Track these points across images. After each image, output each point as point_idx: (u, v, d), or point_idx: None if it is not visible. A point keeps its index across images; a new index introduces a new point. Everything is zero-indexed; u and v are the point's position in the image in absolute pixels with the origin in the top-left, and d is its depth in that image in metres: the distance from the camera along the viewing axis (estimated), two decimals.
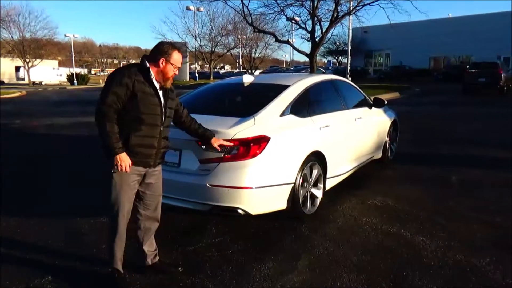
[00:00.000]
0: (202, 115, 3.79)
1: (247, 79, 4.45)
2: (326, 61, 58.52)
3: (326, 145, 4.19)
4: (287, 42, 18.43)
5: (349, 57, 21.23)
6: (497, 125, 10.47)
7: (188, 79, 42.51)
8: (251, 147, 3.33)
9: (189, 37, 49.95)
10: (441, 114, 12.90)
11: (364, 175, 5.54)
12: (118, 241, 2.81)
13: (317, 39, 16.51)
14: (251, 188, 3.34)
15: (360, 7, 15.97)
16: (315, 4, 15.73)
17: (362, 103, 5.48)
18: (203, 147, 3.37)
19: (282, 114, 3.79)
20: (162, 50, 2.69)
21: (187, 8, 39.87)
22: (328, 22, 16.18)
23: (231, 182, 3.31)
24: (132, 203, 2.83)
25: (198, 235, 3.72)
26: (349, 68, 21.36)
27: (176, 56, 2.71)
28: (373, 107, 5.61)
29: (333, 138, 4.36)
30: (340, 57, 50.58)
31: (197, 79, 43.72)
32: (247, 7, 16.94)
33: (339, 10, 16.06)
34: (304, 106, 4.12)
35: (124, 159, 2.60)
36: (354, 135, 4.93)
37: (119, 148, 2.57)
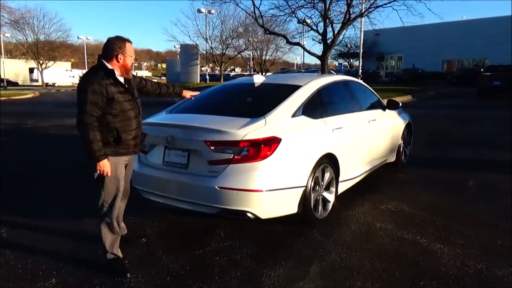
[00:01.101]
0: (212, 115, 3.71)
1: (258, 79, 4.35)
2: (336, 64, 58.22)
3: (339, 147, 4.06)
4: (298, 44, 18.26)
5: (361, 59, 20.95)
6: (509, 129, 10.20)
7: (198, 81, 42.61)
8: (261, 148, 3.22)
9: (200, 39, 50.11)
10: (455, 117, 12.63)
11: (377, 179, 5.39)
12: (116, 228, 3.05)
13: (328, 41, 16.33)
14: (261, 191, 3.22)
15: (373, 9, 15.78)
16: (327, 6, 15.57)
17: (376, 105, 5.33)
18: (212, 148, 3.28)
19: (294, 115, 3.67)
20: (115, 47, 2.88)
21: (199, 11, 39.97)
22: (340, 24, 16.00)
23: (241, 185, 3.20)
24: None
25: (206, 239, 3.61)
26: (360, 70, 21.08)
27: (129, 47, 2.93)
28: (387, 109, 5.46)
29: (346, 140, 4.23)
30: (351, 60, 50.18)
31: (208, 81, 43.77)
32: (258, 8, 16.84)
33: (351, 12, 15.87)
34: (316, 107, 4.00)
35: (106, 165, 2.83)
36: (367, 137, 4.79)
37: (101, 155, 2.80)
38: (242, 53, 49.02)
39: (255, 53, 51.82)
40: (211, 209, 3.35)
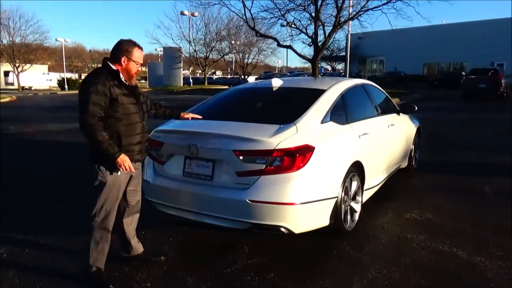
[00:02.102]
0: (235, 122, 3.44)
1: (276, 83, 4.11)
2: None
3: (365, 155, 3.86)
4: (289, 47, 18.11)
5: (348, 62, 21.00)
6: (507, 131, 10.26)
7: (182, 85, 42.08)
8: (296, 158, 2.98)
9: (183, 42, 49.55)
10: (447, 120, 12.69)
11: (391, 185, 5.21)
12: (106, 241, 2.87)
13: (319, 44, 16.24)
14: (295, 204, 2.98)
15: (363, 12, 15.78)
16: (319, 8, 15.47)
17: (391, 109, 5.17)
18: (242, 157, 3.01)
19: (323, 121, 3.44)
20: (122, 49, 2.75)
21: (182, 13, 39.53)
22: (331, 27, 15.93)
23: (275, 198, 2.95)
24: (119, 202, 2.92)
25: (231, 255, 3.34)
26: (347, 74, 21.11)
27: (137, 53, 2.78)
28: (400, 113, 5.31)
29: (371, 147, 4.04)
30: (334, 63, 50.55)
31: (191, 84, 43.28)
32: (249, 10, 16.62)
33: (341, 15, 15.83)
34: (342, 112, 3.80)
35: (124, 159, 2.70)
36: (387, 143, 4.61)
37: (117, 152, 2.66)
38: (225, 56, 48.72)
39: (238, 56, 51.67)
40: (241, 224, 3.08)
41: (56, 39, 52.35)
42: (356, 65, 46.11)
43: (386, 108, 5.00)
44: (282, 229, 3.02)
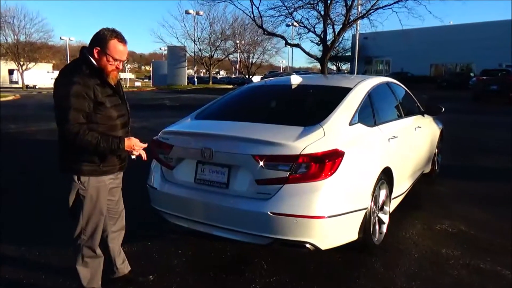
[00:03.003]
0: (253, 123, 3.08)
1: (296, 80, 3.75)
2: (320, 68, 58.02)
3: (394, 160, 3.51)
4: (297, 45, 17.73)
5: (356, 62, 20.63)
6: None
7: (186, 84, 41.80)
8: (325, 164, 2.61)
9: (188, 41, 49.26)
10: (461, 122, 12.25)
11: (415, 192, 4.84)
12: (98, 257, 2.53)
13: (328, 43, 15.86)
14: (323, 217, 2.62)
15: (373, 10, 15.38)
16: (328, 6, 15.09)
17: (416, 110, 4.80)
18: (262, 163, 2.65)
19: (351, 123, 3.08)
20: (97, 38, 2.26)
21: (187, 12, 39.25)
22: (340, 26, 15.56)
23: (300, 210, 2.58)
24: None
25: (247, 272, 2.98)
26: (355, 74, 20.71)
27: (113, 45, 2.25)
28: (425, 115, 4.93)
29: (400, 151, 3.68)
30: (340, 63, 50.09)
31: (196, 83, 43.00)
32: (257, 8, 16.25)
33: (350, 14, 15.45)
34: (369, 113, 3.43)
35: (131, 144, 2.35)
36: (414, 147, 4.25)
37: (119, 143, 2.29)
38: (229, 56, 48.44)
39: (242, 55, 51.40)
40: (261, 239, 2.72)
41: (60, 38, 52.36)
42: (362, 66, 45.69)
43: (412, 109, 4.64)
44: (308, 245, 2.65)
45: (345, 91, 3.39)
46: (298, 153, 2.60)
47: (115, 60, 2.28)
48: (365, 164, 3.02)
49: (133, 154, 2.42)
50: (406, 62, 39.44)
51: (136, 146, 2.38)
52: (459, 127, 11.13)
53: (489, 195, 4.90)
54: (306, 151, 2.61)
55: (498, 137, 9.44)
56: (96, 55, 2.26)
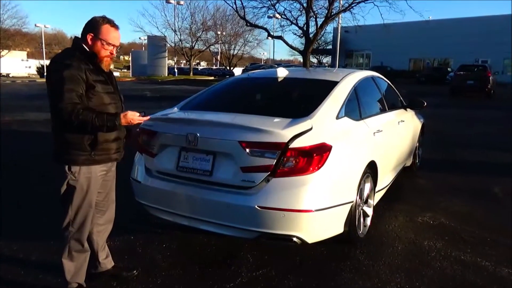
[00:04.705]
0: (240, 114, 3.04)
1: (282, 73, 3.72)
2: (301, 60, 58.18)
3: (379, 154, 3.53)
4: (280, 38, 17.68)
5: (338, 56, 20.70)
6: (503, 129, 10.13)
7: (166, 75, 41.22)
8: (313, 158, 2.61)
9: (168, 31, 48.47)
10: (439, 116, 12.49)
11: (397, 186, 4.91)
12: (84, 251, 2.48)
13: (311, 36, 15.87)
14: (311, 211, 2.61)
15: (355, 4, 15.47)
16: None
17: (399, 104, 4.85)
18: (247, 150, 2.62)
19: (338, 117, 3.07)
20: (90, 24, 2.30)
21: (167, 1, 38.56)
22: (323, 19, 15.57)
23: (288, 204, 2.57)
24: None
25: (233, 265, 2.97)
26: (337, 67, 20.83)
27: (106, 31, 2.29)
28: (408, 109, 4.99)
29: (384, 145, 3.71)
30: (321, 56, 50.33)
31: (176, 74, 42.45)
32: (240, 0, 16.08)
33: (332, 7, 15.48)
34: (355, 106, 3.44)
35: (128, 119, 2.28)
36: (398, 140, 4.29)
37: (116, 118, 2.24)
38: (210, 47, 47.98)
39: (223, 47, 51.02)
40: (247, 233, 2.70)
41: (35, 25, 50.70)
42: (342, 59, 46.01)
43: (395, 103, 4.69)
44: (295, 239, 2.65)
45: (332, 84, 3.38)
46: (286, 141, 2.57)
47: (109, 44, 2.31)
48: (352, 158, 3.03)
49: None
50: (385, 56, 39.93)
51: (134, 121, 2.32)
52: (438, 121, 11.37)
53: (470, 188, 5.01)
54: (295, 145, 2.59)
55: (477, 131, 9.69)
56: (89, 42, 2.28)
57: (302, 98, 3.36)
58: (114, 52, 2.38)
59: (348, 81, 3.54)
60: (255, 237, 2.71)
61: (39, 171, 5.24)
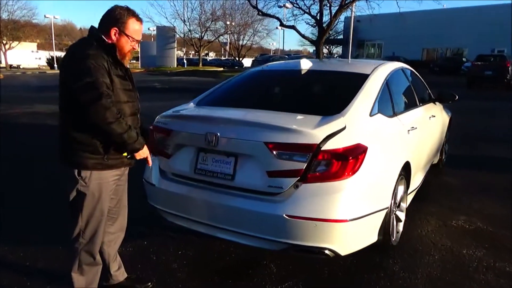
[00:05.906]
0: (264, 110, 2.76)
1: (306, 65, 3.42)
2: (310, 51, 57.49)
3: (413, 153, 3.24)
4: (292, 27, 17.23)
5: (350, 46, 20.22)
6: None
7: (175, 66, 40.94)
8: (348, 161, 2.32)
9: (177, 22, 48.11)
10: (460, 109, 12.01)
11: (424, 184, 4.60)
12: (96, 264, 2.27)
13: (324, 25, 15.44)
14: (346, 221, 2.34)
15: None
16: None
17: (428, 98, 4.52)
18: (274, 152, 2.34)
19: (371, 114, 2.77)
20: (113, 17, 2.09)
21: None
22: (336, 7, 15.11)
23: (320, 213, 2.30)
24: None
25: (255, 277, 2.72)
26: (349, 57, 20.35)
27: (133, 25, 2.11)
28: (437, 102, 4.66)
29: (418, 144, 3.42)
30: (331, 47, 49.57)
31: (185, 65, 42.17)
32: None
33: None
34: (388, 102, 3.13)
35: (145, 153, 2.20)
36: (430, 137, 3.98)
37: (142, 146, 2.14)
38: (219, 37, 47.55)
39: (232, 37, 50.54)
40: (273, 244, 2.44)
41: (45, 16, 50.62)
42: (354, 49, 45.25)
43: (425, 97, 4.36)
44: (327, 251, 2.38)
45: (362, 77, 3.07)
46: (317, 143, 2.29)
47: (133, 40, 2.14)
48: (387, 160, 2.74)
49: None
50: (398, 46, 39.06)
51: (147, 158, 2.24)
52: (459, 114, 10.94)
53: (501, 187, 4.69)
54: (327, 147, 2.30)
55: (502, 124, 9.27)
56: (113, 37, 2.09)
57: (331, 93, 3.07)
58: (136, 47, 2.20)
59: (379, 73, 3.23)
60: (282, 249, 2.45)
61: (52, 167, 5.03)
